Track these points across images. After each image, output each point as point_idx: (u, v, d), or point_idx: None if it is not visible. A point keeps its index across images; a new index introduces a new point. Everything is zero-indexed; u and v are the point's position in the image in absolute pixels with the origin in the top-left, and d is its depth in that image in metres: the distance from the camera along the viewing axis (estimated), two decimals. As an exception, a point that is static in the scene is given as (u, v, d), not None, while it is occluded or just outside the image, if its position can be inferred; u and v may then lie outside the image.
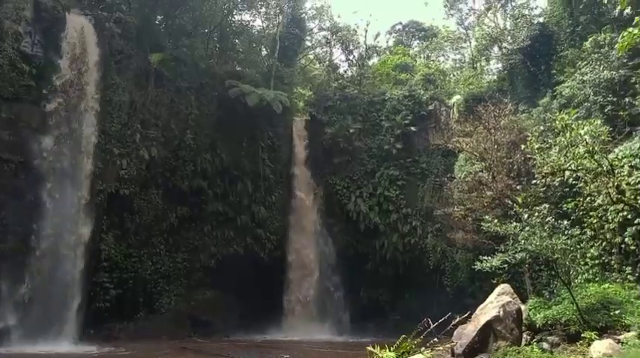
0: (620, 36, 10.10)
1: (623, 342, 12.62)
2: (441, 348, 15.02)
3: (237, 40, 38.51)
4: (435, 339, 7.90)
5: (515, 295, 15.87)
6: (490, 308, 15.17)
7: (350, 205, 33.30)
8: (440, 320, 7.69)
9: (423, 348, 7.49)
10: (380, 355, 6.22)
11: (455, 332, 14.58)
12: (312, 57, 47.34)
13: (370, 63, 46.00)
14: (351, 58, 43.84)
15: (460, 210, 22.51)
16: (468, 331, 14.80)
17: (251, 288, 28.41)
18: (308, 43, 44.57)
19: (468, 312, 11.12)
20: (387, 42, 50.07)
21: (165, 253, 28.27)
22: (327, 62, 45.13)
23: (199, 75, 30.77)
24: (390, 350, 6.51)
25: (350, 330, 30.08)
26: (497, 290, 16.10)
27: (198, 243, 29.46)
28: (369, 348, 6.45)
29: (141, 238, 27.23)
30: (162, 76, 28.63)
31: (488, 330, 14.54)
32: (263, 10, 40.04)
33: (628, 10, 10.05)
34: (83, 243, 24.26)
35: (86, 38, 25.74)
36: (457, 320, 8.14)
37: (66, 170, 24.12)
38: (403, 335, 6.84)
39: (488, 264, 16.34)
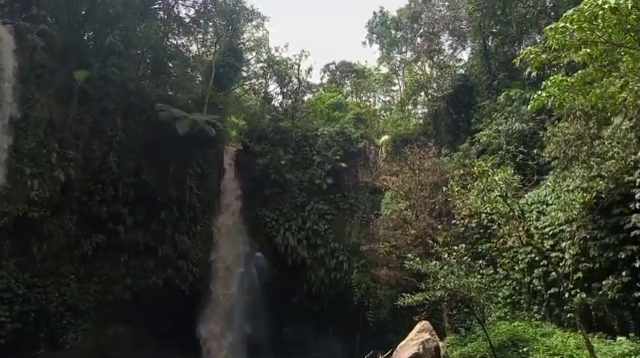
0: (531, 97, 11.19)
1: (529, 378, 13.38)
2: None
3: (171, 64, 37.76)
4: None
5: (434, 332, 16.39)
6: (410, 345, 15.52)
7: (278, 238, 33.00)
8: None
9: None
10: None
11: (376, 370, 14.68)
12: (247, 87, 47.52)
13: (305, 98, 47.07)
14: (286, 91, 44.59)
15: (385, 247, 23.07)
16: (389, 368, 14.96)
17: (168, 323, 26.87)
18: (244, 74, 44.79)
19: (390, 350, 11.28)
20: (322, 79, 51.66)
21: (75, 283, 26.04)
22: (263, 94, 45.53)
23: (128, 96, 29.57)
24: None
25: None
26: (418, 327, 16.56)
27: (113, 274, 27.45)
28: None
29: (48, 266, 24.92)
30: (87, 95, 27.15)
31: (407, 367, 14.79)
32: (200, 36, 39.84)
33: (535, 72, 11.19)
34: (-22, 271, 21.83)
35: (3, 47, 23.98)
36: (378, 358, 8.17)
37: (-35, 188, 21.87)
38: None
39: (409, 300, 16.80)
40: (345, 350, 29.02)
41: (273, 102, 44.95)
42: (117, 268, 27.54)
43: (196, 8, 36.74)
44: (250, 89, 47.75)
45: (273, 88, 45.48)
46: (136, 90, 30.48)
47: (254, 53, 45.56)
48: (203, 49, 40.95)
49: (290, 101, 43.97)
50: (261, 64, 45.69)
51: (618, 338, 13.30)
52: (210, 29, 39.47)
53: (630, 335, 13.25)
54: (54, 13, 28.46)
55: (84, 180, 26.68)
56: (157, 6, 35.01)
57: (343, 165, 34.11)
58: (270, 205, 33.84)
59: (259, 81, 46.42)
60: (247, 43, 43.80)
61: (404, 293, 17.23)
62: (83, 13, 29.59)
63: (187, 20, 36.99)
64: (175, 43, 37.96)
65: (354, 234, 31.96)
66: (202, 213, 31.91)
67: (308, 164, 35.34)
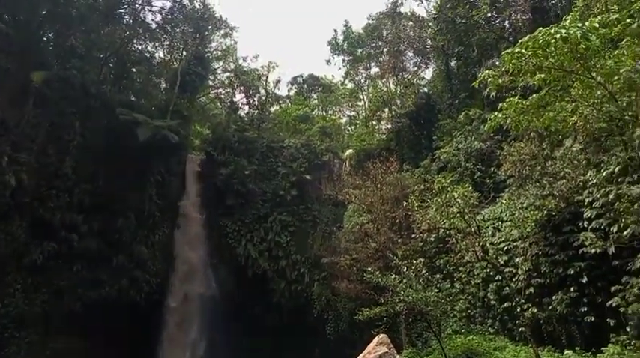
0: (489, 118, 11.68)
1: (482, 391, 13.68)
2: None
3: (135, 69, 36.98)
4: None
5: (391, 345, 16.50)
6: (368, 358, 15.55)
7: (240, 249, 32.60)
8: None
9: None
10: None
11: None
12: (213, 96, 47.12)
13: (272, 109, 47.12)
14: (252, 101, 44.51)
15: (346, 260, 23.20)
16: (346, 382, 14.95)
17: (123, 336, 25.90)
18: (210, 82, 44.44)
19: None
20: (289, 91, 51.93)
21: (22, 294, 24.73)
22: (229, 103, 45.23)
23: (88, 100, 28.69)
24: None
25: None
26: (376, 340, 16.63)
27: (63, 284, 26.23)
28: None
29: (-8, 275, 23.68)
30: (44, 97, 26.21)
31: (365, 381, 14.81)
32: (167, 42, 39.29)
33: (494, 93, 11.70)
34: None
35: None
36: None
37: None
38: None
39: (368, 314, 16.92)
40: (303, 362, 28.85)
41: (239, 112, 44.71)
42: (68, 278, 26.35)
43: (163, 14, 36.26)
44: (216, 98, 47.38)
45: (239, 97, 45.37)
46: (96, 94, 29.61)
47: (221, 62, 45.38)
48: (169, 55, 40.36)
49: (256, 112, 43.89)
50: (228, 74, 45.53)
51: (565, 352, 13.80)
52: (178, 36, 39.01)
53: (576, 348, 13.81)
54: (12, 12, 27.40)
55: (37, 185, 25.58)
56: (122, 10, 34.29)
57: (308, 177, 34.21)
58: (233, 216, 33.44)
59: (226, 90, 46.18)
60: (215, 52, 43.56)
61: (362, 308, 17.36)
62: (44, 12, 28.69)
63: (154, 26, 36.45)
64: (140, 48, 37.24)
65: (316, 246, 31.97)
66: (162, 222, 31.16)
67: (272, 175, 35.24)
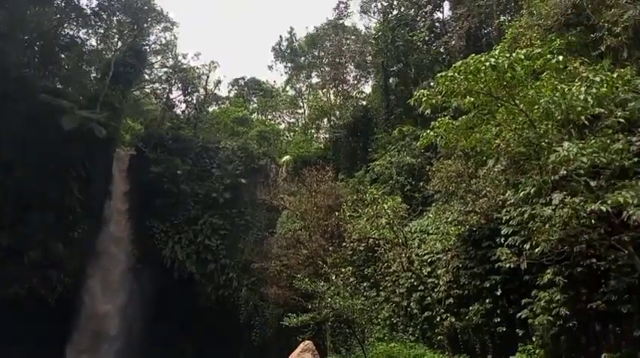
0: (421, 135, 12.24)
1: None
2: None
3: (63, 55, 34.66)
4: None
5: (316, 352, 16.63)
6: (292, 365, 15.56)
7: (166, 251, 31.44)
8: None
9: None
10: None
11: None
12: (148, 91, 45.26)
13: (210, 109, 46.07)
14: (190, 100, 43.28)
15: (277, 265, 23.16)
16: (269, 389, 14.84)
17: (31, 340, 23.94)
18: (146, 76, 42.66)
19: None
20: (229, 93, 51.13)
21: None
22: (165, 100, 43.64)
23: (7, 83, 26.51)
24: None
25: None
26: (301, 346, 16.70)
27: (-36, 281, 23.98)
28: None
29: None
30: (-46, 75, 23.90)
31: (287, 387, 14.79)
32: (101, 31, 37.25)
33: (428, 111, 12.29)
34: None
35: None
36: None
37: None
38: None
39: (295, 320, 16.97)
40: (226, 370, 28.27)
41: (175, 110, 43.30)
42: (-30, 274, 24.07)
43: (99, 0, 34.40)
44: (152, 93, 45.54)
45: (176, 95, 43.91)
46: (17, 78, 27.44)
47: (159, 57, 43.69)
48: (102, 44, 38.28)
49: (194, 111, 42.71)
50: (165, 69, 43.94)
51: (478, 360, 14.70)
52: (113, 25, 37.13)
53: (488, 356, 14.71)
54: None
55: (-61, 171, 23.21)
56: (53, -10, 32.16)
57: (243, 180, 33.79)
58: (161, 216, 32.21)
59: (162, 86, 44.50)
60: (153, 46, 41.89)
61: (290, 314, 17.39)
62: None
63: (88, 11, 34.42)
64: (71, 33, 34.99)
65: (247, 251, 31.59)
66: (83, 218, 29.28)
67: (206, 176, 34.44)
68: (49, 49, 32.67)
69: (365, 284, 21.10)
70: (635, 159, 8.84)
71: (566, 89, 9.22)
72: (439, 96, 11.35)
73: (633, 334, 10.35)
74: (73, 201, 28.52)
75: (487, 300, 15.34)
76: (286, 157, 35.13)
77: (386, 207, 14.57)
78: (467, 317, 15.90)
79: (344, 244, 21.12)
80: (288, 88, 49.63)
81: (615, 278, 10.91)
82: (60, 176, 28.06)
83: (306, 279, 17.11)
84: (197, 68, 44.09)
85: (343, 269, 18.07)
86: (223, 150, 35.40)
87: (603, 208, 8.24)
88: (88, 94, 32.81)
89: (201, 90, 43.70)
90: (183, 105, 43.60)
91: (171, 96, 43.77)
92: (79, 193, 28.90)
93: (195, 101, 43.34)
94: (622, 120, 9.69)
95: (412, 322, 18.74)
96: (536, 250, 10.76)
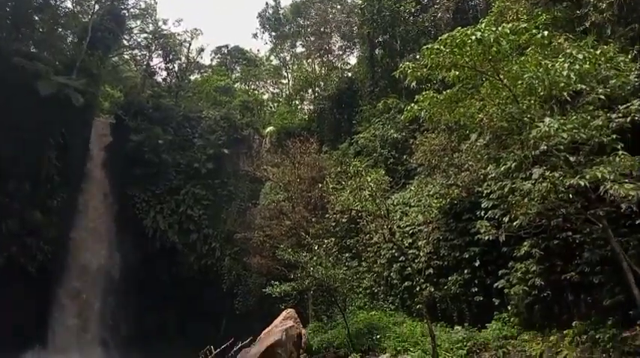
0: (406, 108, 12.24)
1: (379, 363, 14.66)
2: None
3: (37, 17, 33.24)
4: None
5: (298, 320, 17.01)
6: (274, 331, 15.90)
7: (147, 221, 31.29)
8: (223, 346, 7.73)
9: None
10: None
11: (238, 356, 14.81)
12: (127, 57, 43.97)
13: (192, 78, 45.07)
14: (171, 67, 42.22)
15: (260, 236, 23.29)
16: (251, 354, 15.19)
17: (12, 306, 23.85)
18: (125, 42, 41.33)
19: (250, 338, 11.47)
20: (212, 61, 49.97)
21: None
22: (145, 67, 42.51)
23: (-22, 46, 25.48)
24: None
25: (133, 354, 27.52)
26: (283, 314, 17.05)
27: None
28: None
29: None
30: None
31: (269, 353, 15.16)
32: (78, -8, 35.73)
33: (413, 84, 12.25)
34: None
35: None
36: (240, 344, 8.30)
37: None
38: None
39: (278, 289, 17.24)
40: (209, 336, 28.60)
41: (155, 78, 42.24)
42: (-54, 243, 23.66)
43: (75, -40, 32.89)
44: (131, 59, 44.28)
45: (157, 62, 42.78)
46: (-12, 41, 26.35)
47: (138, 22, 42.30)
48: (79, 7, 36.75)
49: (175, 79, 41.74)
50: (145, 35, 42.62)
51: (456, 328, 15.21)
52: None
53: (465, 324, 15.26)
54: None
55: None
56: (24, -52, 30.54)
57: (225, 151, 33.52)
58: (142, 185, 31.90)
59: (142, 52, 43.30)
60: (132, 10, 40.45)
61: (273, 282, 17.64)
62: None
63: (62, -29, 32.93)
64: (46, -6, 33.46)
65: (229, 221, 31.63)
66: (62, 187, 28.80)
67: (188, 146, 34.05)
68: (21, 11, 31.26)
69: (347, 254, 21.43)
70: (614, 136, 9.03)
71: (549, 65, 9.27)
72: (424, 69, 11.31)
73: (603, 303, 10.81)
74: (50, 169, 27.98)
75: (465, 271, 15.79)
76: (270, 128, 34.83)
77: (369, 180, 14.63)
78: (445, 287, 16.38)
79: (327, 216, 21.30)
80: (272, 58, 48.75)
81: (589, 250, 11.31)
82: (36, 144, 27.38)
83: (289, 250, 17.29)
84: (178, 35, 42.99)
85: (326, 240, 18.27)
86: (205, 120, 34.91)
87: (581, 183, 8.45)
88: (64, 59, 31.75)
89: (183, 58, 42.66)
90: (164, 73, 42.62)
91: (152, 64, 42.74)
92: (56, 161, 28.33)
93: (176, 69, 42.32)
94: (602, 97, 9.82)
95: (392, 291, 19.22)
96: (515, 223, 11.05)
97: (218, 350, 6.97)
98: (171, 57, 41.87)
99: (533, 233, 11.37)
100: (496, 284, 14.10)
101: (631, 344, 9.73)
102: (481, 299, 15.16)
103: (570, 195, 9.57)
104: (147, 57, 42.71)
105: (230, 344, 15.26)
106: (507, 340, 13.24)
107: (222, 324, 28.85)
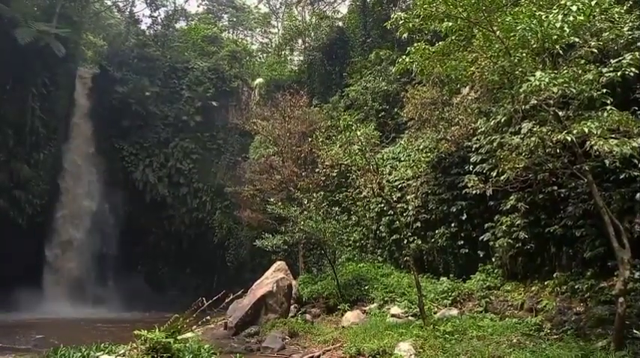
0: (397, 61, 11.93)
1: (367, 312, 15.15)
2: (212, 326, 15.45)
3: (11, -41, 31.36)
4: (208, 317, 8.08)
5: (288, 271, 17.41)
6: (265, 283, 16.31)
7: (137, 174, 31.16)
8: (215, 297, 7.90)
9: (195, 326, 7.59)
10: (147, 336, 6.04)
11: (230, 307, 15.20)
12: (109, 3, 42.14)
13: (177, 26, 43.47)
14: (156, 15, 40.64)
15: (250, 190, 23.32)
16: (243, 305, 15.62)
17: (3, 260, 24.02)
18: (107, -13, 39.51)
19: (242, 290, 11.71)
20: (198, 7, 48.12)
21: None
22: (128, 14, 40.83)
23: (-50, -10, 24.16)
24: (160, 330, 6.38)
25: (124, 307, 28.07)
26: (274, 266, 17.42)
27: None
28: (136, 332, 6.20)
29: None
30: None
31: (261, 304, 15.63)
32: None
33: (405, 35, 11.90)
34: None
35: None
36: (232, 296, 8.48)
37: None
38: (175, 315, 6.78)
39: (268, 243, 17.49)
40: (201, 288, 29.33)
41: (140, 26, 40.68)
42: None
43: None
44: (113, 5, 42.44)
45: (141, 9, 41.18)
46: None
47: (120, -35, 40.23)
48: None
49: (160, 27, 40.25)
50: (127, -21, 40.64)
51: (441, 279, 15.68)
52: None
53: (451, 276, 15.71)
54: None
55: None
56: None
57: (214, 103, 32.96)
58: (130, 138, 31.51)
59: (124, -2, 41.41)
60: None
61: (265, 234, 17.88)
62: None
63: None
64: None
65: (219, 175, 31.60)
66: (47, 139, 28.35)
67: (175, 98, 33.37)
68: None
69: (336, 208, 21.65)
70: (604, 91, 8.94)
71: (543, 16, 9.00)
72: (417, 20, 10.96)
73: (584, 256, 11.13)
74: (35, 121, 27.39)
75: (452, 224, 16.07)
76: (259, 80, 34.09)
77: (359, 134, 14.53)
78: (432, 240, 16.72)
79: (317, 170, 21.32)
80: (261, 6, 47.01)
81: (573, 204, 11.51)
82: (19, 95, 26.67)
83: (279, 204, 17.39)
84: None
85: (315, 195, 18.40)
86: (193, 71, 34.04)
87: (568, 138, 8.43)
88: (42, 5, 30.33)
89: (169, 5, 40.98)
90: (149, 21, 41.07)
91: (135, 11, 41.01)
92: (40, 112, 27.69)
93: (162, 17, 40.75)
94: (595, 51, 9.65)
95: (381, 244, 19.61)
96: (502, 177, 11.14)
97: (210, 301, 7.12)
98: (156, 3, 40.17)
99: (520, 187, 11.48)
100: (482, 237, 14.40)
101: (607, 293, 10.10)
102: (467, 251, 15.52)
103: (558, 150, 9.59)
104: (130, 3, 40.97)
105: (222, 296, 15.58)
106: (491, 290, 13.71)
107: (215, 276, 29.46)
